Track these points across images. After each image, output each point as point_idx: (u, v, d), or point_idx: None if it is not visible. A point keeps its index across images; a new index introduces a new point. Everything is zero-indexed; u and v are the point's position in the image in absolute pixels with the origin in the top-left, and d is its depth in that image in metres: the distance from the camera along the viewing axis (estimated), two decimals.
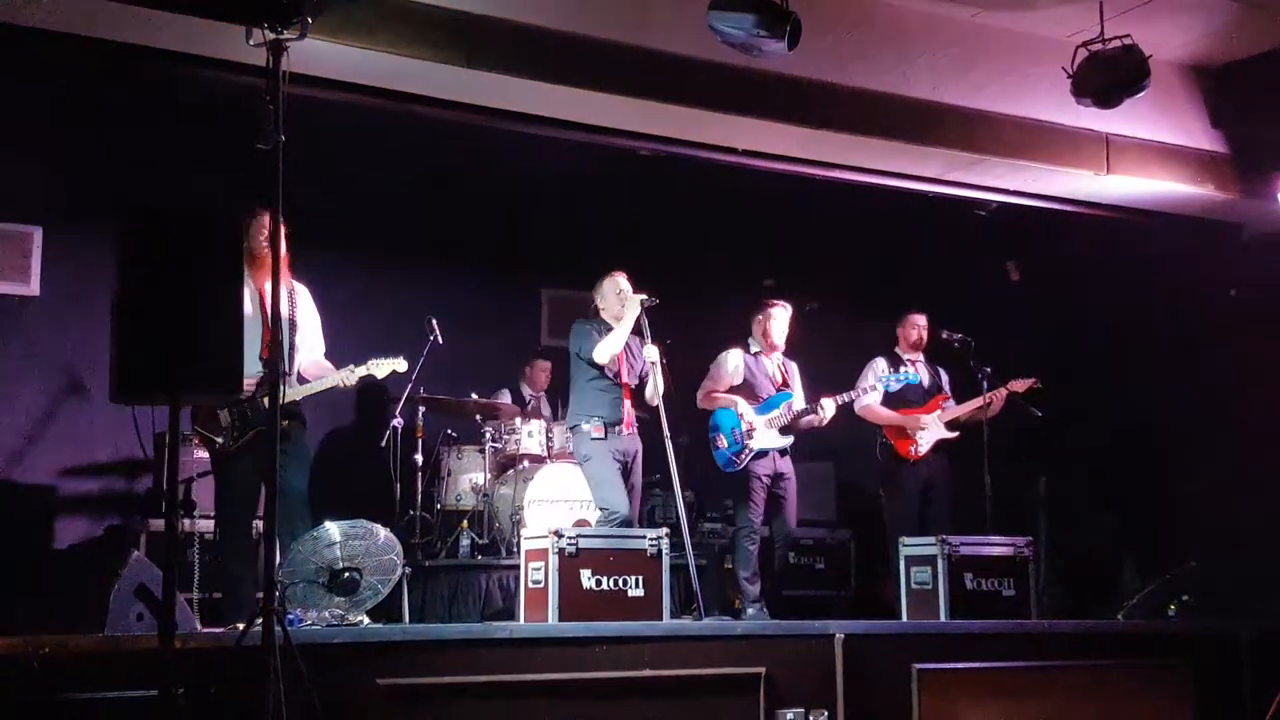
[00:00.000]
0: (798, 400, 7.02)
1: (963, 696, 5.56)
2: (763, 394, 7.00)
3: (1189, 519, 8.03)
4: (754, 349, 7.13)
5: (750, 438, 6.87)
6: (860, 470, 8.48)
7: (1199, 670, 6.08)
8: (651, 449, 6.59)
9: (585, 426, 6.45)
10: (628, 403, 6.50)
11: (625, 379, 6.53)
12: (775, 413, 6.94)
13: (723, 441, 6.94)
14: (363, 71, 6.02)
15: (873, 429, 7.44)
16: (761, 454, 6.88)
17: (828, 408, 6.94)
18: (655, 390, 6.52)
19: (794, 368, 7.23)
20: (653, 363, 6.49)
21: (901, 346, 7.55)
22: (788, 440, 6.96)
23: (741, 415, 6.91)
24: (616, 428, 6.44)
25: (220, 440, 5.65)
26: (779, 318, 7.09)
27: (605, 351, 6.44)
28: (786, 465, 6.98)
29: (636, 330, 6.53)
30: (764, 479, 6.87)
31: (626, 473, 6.48)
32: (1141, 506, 8.50)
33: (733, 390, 7.02)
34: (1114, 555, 8.51)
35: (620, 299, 6.52)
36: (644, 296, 6.46)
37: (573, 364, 6.67)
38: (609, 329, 6.51)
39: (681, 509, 6.44)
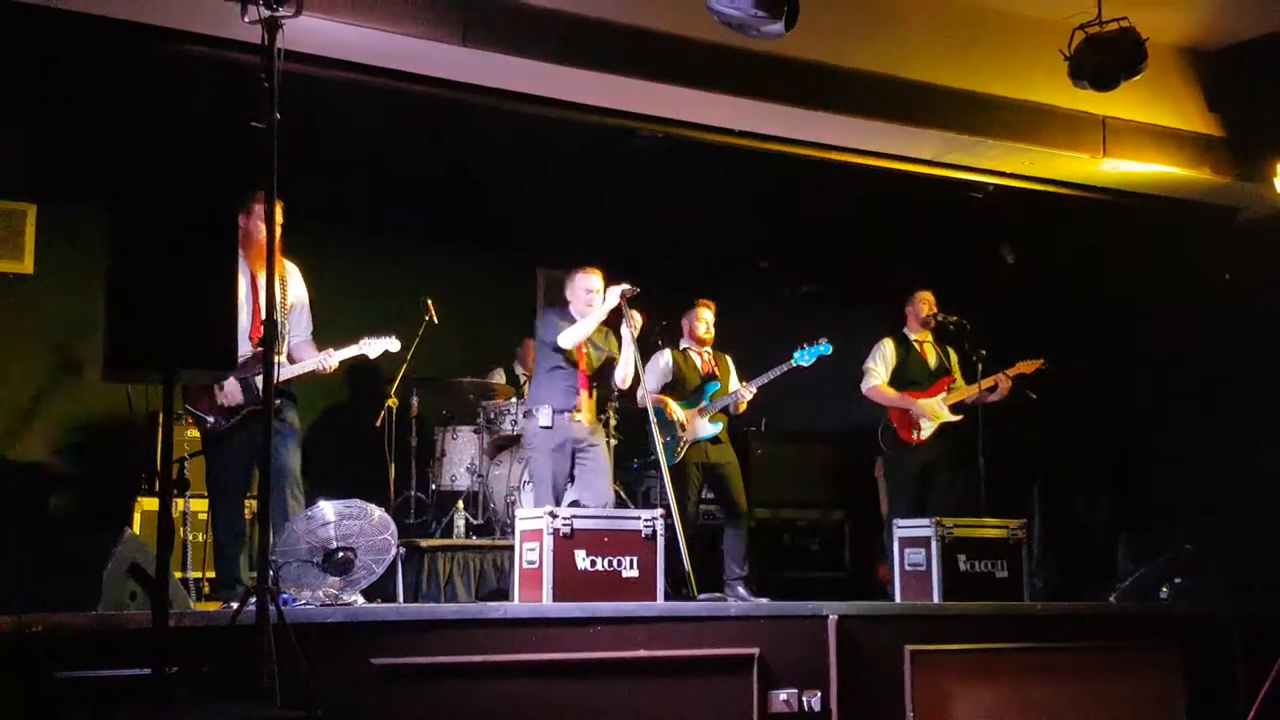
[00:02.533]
0: (722, 388, 7.23)
1: (955, 678, 5.58)
2: (691, 388, 7.21)
3: (1182, 501, 8.04)
4: (683, 346, 7.35)
5: (683, 430, 7.07)
6: (855, 452, 8.48)
7: (1191, 652, 6.11)
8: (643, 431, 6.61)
9: (536, 413, 6.47)
10: (583, 392, 6.52)
11: (582, 369, 6.54)
12: (703, 403, 7.16)
13: (659, 438, 7.03)
14: (358, 49, 5.99)
15: (869, 411, 7.43)
16: (696, 443, 7.10)
17: (745, 392, 7.15)
18: (626, 374, 6.55)
19: (727, 360, 7.42)
20: (633, 324, 6.45)
21: (911, 326, 7.56)
22: (717, 428, 7.14)
23: (672, 412, 7.06)
24: (566, 415, 6.45)
25: (212, 419, 5.64)
26: (703, 316, 7.31)
27: (569, 337, 6.44)
28: (723, 452, 7.18)
29: (615, 321, 6.51)
30: (699, 468, 7.09)
31: (577, 459, 6.48)
32: (1135, 489, 8.51)
33: (665, 388, 7.20)
34: (1107, 537, 8.52)
35: (589, 299, 6.48)
36: (625, 286, 6.43)
37: (537, 350, 6.72)
38: (572, 321, 6.48)
39: (669, 490, 6.46)
